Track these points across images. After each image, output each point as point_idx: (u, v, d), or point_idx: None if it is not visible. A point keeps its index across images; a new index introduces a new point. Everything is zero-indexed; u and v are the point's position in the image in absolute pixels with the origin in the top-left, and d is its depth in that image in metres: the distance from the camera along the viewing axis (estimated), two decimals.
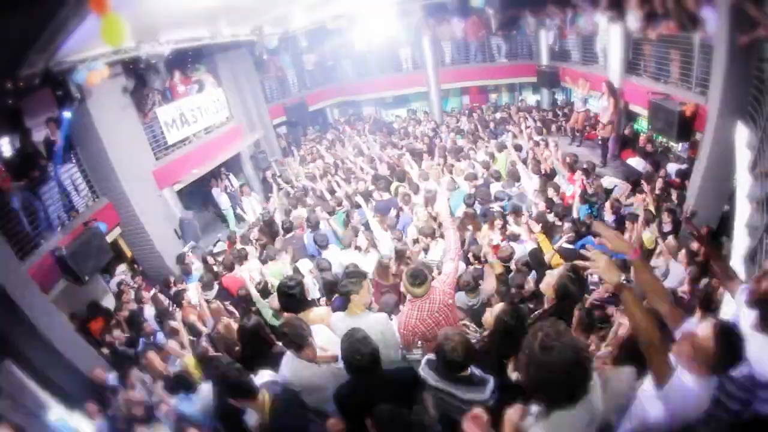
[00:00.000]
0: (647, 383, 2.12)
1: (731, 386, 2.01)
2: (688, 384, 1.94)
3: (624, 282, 2.02)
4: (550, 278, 3.06)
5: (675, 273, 4.60)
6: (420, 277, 3.12)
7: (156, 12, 5.60)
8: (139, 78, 8.47)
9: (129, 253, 8.54)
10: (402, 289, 3.57)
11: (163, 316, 5.78)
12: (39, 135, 7.04)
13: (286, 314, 3.57)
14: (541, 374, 1.75)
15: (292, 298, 3.47)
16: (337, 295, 4.08)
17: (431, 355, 2.72)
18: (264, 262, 5.96)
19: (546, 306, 3.04)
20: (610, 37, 8.89)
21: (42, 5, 3.80)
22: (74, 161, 7.35)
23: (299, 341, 2.79)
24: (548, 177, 6.94)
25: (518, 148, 8.14)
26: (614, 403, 2.39)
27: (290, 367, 2.93)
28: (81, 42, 5.07)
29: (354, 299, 3.21)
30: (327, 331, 3.20)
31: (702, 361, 1.91)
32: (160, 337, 5.60)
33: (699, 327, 1.97)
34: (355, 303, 3.23)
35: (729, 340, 1.87)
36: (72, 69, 5.89)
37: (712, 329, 1.89)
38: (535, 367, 1.75)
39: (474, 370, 2.62)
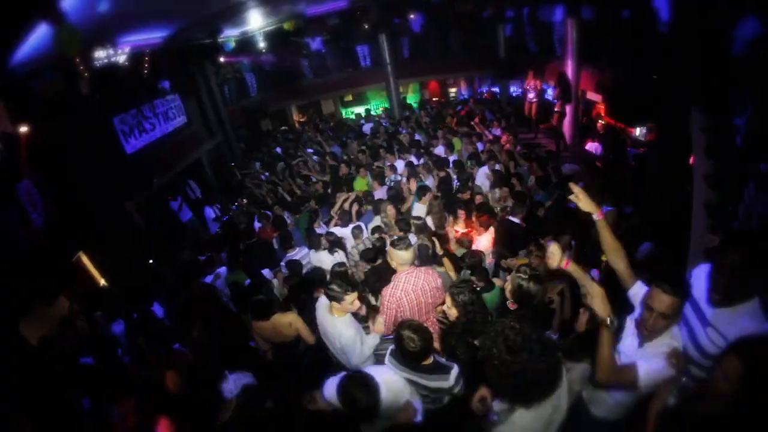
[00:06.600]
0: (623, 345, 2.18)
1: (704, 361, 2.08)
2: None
3: (607, 322, 1.96)
4: (507, 284, 2.85)
5: None
6: (406, 240, 3.21)
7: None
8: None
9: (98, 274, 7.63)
10: (390, 261, 3.38)
11: None
12: None
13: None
14: (509, 378, 1.74)
15: (259, 303, 3.36)
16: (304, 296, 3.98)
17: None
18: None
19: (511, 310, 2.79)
20: (566, 27, 9.05)
21: None
22: None
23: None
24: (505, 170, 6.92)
25: (479, 137, 8.26)
26: (572, 397, 2.40)
27: None
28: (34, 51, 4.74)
29: (335, 305, 3.15)
30: None
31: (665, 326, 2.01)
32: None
33: (655, 294, 2.00)
34: (335, 307, 3.16)
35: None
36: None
37: (670, 300, 1.94)
38: (502, 371, 1.74)
39: (438, 358, 2.62)
